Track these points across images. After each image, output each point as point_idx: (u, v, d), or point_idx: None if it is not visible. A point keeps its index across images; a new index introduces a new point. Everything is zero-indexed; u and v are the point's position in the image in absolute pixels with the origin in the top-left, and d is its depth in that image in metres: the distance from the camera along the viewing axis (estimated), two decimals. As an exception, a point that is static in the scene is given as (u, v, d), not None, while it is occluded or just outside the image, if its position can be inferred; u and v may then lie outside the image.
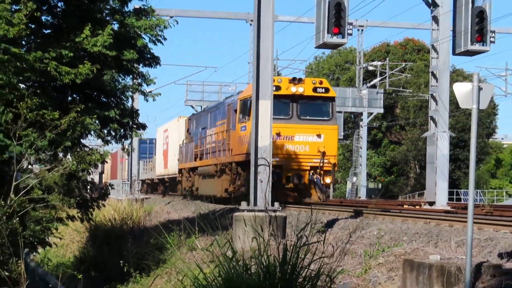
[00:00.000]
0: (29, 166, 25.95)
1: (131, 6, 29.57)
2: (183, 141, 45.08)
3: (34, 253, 25.85)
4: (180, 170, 45.11)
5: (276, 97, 24.06)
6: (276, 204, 24.66)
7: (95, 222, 36.01)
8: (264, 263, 9.89)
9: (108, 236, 38.65)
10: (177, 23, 31.41)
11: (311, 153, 26.49)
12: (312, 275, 10.04)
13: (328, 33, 28.76)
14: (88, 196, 29.69)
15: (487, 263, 12.80)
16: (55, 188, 25.65)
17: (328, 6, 29.10)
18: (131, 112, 29.79)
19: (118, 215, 43.53)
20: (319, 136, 25.96)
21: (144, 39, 28.22)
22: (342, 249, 14.02)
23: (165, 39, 29.56)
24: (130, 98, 32.20)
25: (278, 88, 26.54)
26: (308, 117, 27.53)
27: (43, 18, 27.12)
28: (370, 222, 23.91)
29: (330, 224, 25.13)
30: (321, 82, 26.67)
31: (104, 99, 28.43)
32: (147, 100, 31.88)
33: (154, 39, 28.75)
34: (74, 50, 24.89)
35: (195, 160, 40.15)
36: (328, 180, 27.07)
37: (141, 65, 29.54)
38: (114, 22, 27.49)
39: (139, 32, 27.90)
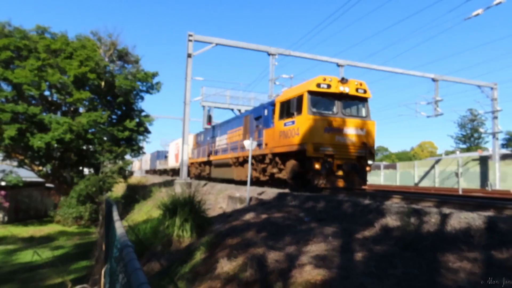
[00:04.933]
0: (107, 164, 26.35)
1: (144, 113, 29.66)
2: (192, 147, 31.52)
3: (106, 193, 25.51)
4: (191, 164, 30.05)
5: (326, 94, 13.75)
6: (188, 178, 21.82)
7: (128, 182, 34.80)
8: (185, 197, 9.95)
9: (132, 187, 36.40)
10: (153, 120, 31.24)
11: (356, 144, 14.43)
12: (199, 200, 10.10)
13: (207, 124, 27.30)
14: (127, 173, 29.78)
15: (254, 196, 12.75)
16: (115, 171, 26.24)
17: (207, 116, 28.05)
18: (141, 148, 29.97)
19: (137, 180, 43.14)
20: (362, 129, 14.55)
21: (146, 124, 28.90)
22: (209, 192, 16.52)
23: (152, 124, 30.52)
24: (141, 142, 29.90)
25: (329, 86, 14.56)
26: (350, 113, 15.11)
27: (113, 116, 27.92)
28: (218, 184, 19.73)
29: (210, 184, 20.33)
30: (361, 84, 15.54)
31: (133, 143, 28.58)
32: (146, 143, 34.18)
33: (150, 125, 29.58)
34: (123, 127, 26.32)
35: (209, 156, 24.60)
36: (367, 168, 15.08)
37: (144, 132, 29.23)
38: (137, 119, 27.96)
39: (145, 121, 28.63)
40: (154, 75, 28.30)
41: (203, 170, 26.71)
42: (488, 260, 4.63)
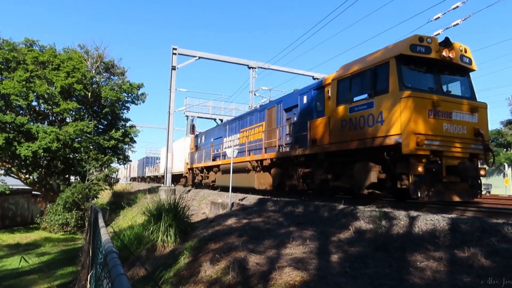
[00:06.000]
0: (93, 172, 25.43)
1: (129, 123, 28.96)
2: (189, 151, 25.81)
3: (92, 200, 24.28)
4: (189, 169, 24.88)
5: (424, 62, 7.92)
6: (172, 184, 21.19)
7: (114, 190, 33.13)
8: (169, 203, 9.68)
9: (118, 194, 35.21)
10: (140, 130, 30.52)
11: (468, 136, 7.39)
12: (183, 206, 9.87)
13: (190, 133, 27.39)
14: (112, 180, 28.48)
15: (235, 201, 12.41)
16: (101, 179, 25.43)
17: (190, 125, 28.62)
18: (127, 156, 29.24)
19: (122, 187, 41.40)
20: (473, 115, 7.39)
21: (131, 134, 27.70)
22: (192, 198, 16.57)
23: (137, 135, 29.01)
24: (127, 151, 29.12)
25: (427, 50, 7.58)
26: (454, 90, 8.07)
27: (99, 126, 27.25)
28: (202, 190, 19.20)
29: (193, 191, 19.94)
30: (465, 50, 7.87)
31: (119, 152, 27.69)
32: (132, 152, 33.21)
33: (135, 135, 28.14)
34: (109, 136, 25.71)
35: (214, 160, 19.45)
36: (482, 172, 7.64)
37: (130, 142, 28.04)
38: (123, 129, 27.11)
39: (130, 132, 27.66)
40: (139, 86, 27.89)
41: (206, 177, 21.39)
42: (452, 258, 4.71)
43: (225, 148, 18.37)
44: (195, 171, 23.61)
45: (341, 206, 8.07)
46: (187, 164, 26.47)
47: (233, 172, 16.27)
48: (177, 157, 29.42)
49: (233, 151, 12.92)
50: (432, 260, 4.75)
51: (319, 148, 10.12)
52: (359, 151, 8.83)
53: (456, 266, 4.51)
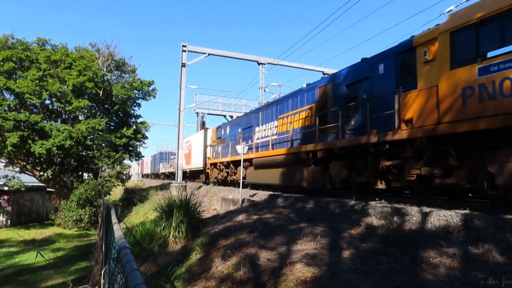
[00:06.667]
0: (105, 169, 25.42)
1: (140, 119, 28.91)
2: (211, 144, 22.81)
3: (105, 197, 23.90)
4: (211, 165, 21.55)
5: None
6: (183, 181, 21.31)
7: (126, 186, 33.90)
8: (180, 199, 9.72)
9: (130, 191, 35.71)
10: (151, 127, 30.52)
11: None
12: (194, 203, 9.89)
13: (200, 129, 26.64)
14: (124, 177, 28.28)
15: (246, 198, 12.39)
16: (113, 176, 25.47)
17: (201, 122, 29.18)
18: (139, 153, 29.22)
19: (134, 184, 41.75)
20: None
21: (143, 130, 28.14)
22: (203, 195, 16.46)
23: (148, 131, 29.22)
24: (138, 148, 29.08)
25: None
26: None
27: (111, 123, 27.28)
28: (212, 186, 19.25)
29: (205, 187, 19.92)
30: None
31: (130, 149, 27.87)
32: (143, 148, 33.47)
33: (146, 131, 28.50)
34: (120, 134, 26.05)
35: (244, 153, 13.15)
36: None
37: (141, 138, 28.40)
38: (135, 126, 27.66)
39: (142, 129, 28.02)
40: (150, 83, 28.03)
41: (233, 173, 18.48)
42: (466, 255, 4.65)
43: (257, 139, 15.66)
44: (219, 166, 20.44)
45: (352, 202, 8.03)
46: (208, 158, 22.98)
47: (272, 167, 13.77)
48: (196, 151, 26.29)
49: (243, 147, 12.92)
50: (446, 256, 4.69)
51: (419, 131, 7.17)
52: (495, 133, 5.93)
53: (470, 262, 4.46)
